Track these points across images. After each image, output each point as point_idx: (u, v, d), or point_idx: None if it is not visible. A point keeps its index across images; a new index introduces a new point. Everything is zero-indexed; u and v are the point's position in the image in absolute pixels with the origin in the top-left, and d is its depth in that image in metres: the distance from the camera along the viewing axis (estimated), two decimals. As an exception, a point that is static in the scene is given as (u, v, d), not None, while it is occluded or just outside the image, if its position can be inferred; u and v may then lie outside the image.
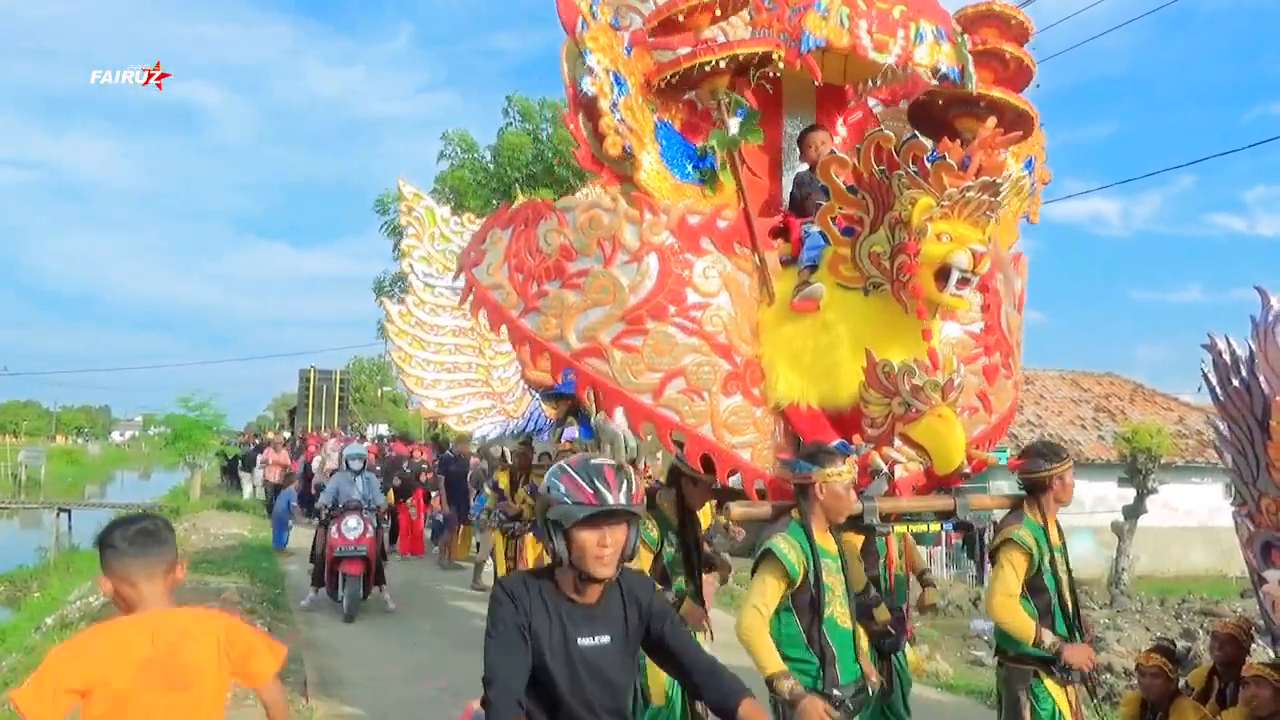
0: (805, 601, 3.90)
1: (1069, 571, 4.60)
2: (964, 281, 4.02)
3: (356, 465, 11.11)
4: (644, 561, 4.96)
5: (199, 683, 2.83)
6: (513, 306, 4.60)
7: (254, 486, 24.13)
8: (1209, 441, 20.05)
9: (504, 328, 4.68)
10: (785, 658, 3.85)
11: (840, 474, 3.94)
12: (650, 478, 9.36)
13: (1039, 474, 4.60)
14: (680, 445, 4.44)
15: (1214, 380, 4.57)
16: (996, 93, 4.76)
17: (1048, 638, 4.36)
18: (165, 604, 2.90)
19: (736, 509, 4.26)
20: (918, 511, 4.50)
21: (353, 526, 10.50)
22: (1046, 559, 4.49)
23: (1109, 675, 8.54)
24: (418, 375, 10.87)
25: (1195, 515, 21.31)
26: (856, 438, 4.34)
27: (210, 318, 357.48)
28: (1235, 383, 4.44)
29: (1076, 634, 4.55)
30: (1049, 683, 4.49)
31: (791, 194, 4.93)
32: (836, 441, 4.32)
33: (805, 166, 4.93)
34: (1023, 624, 4.40)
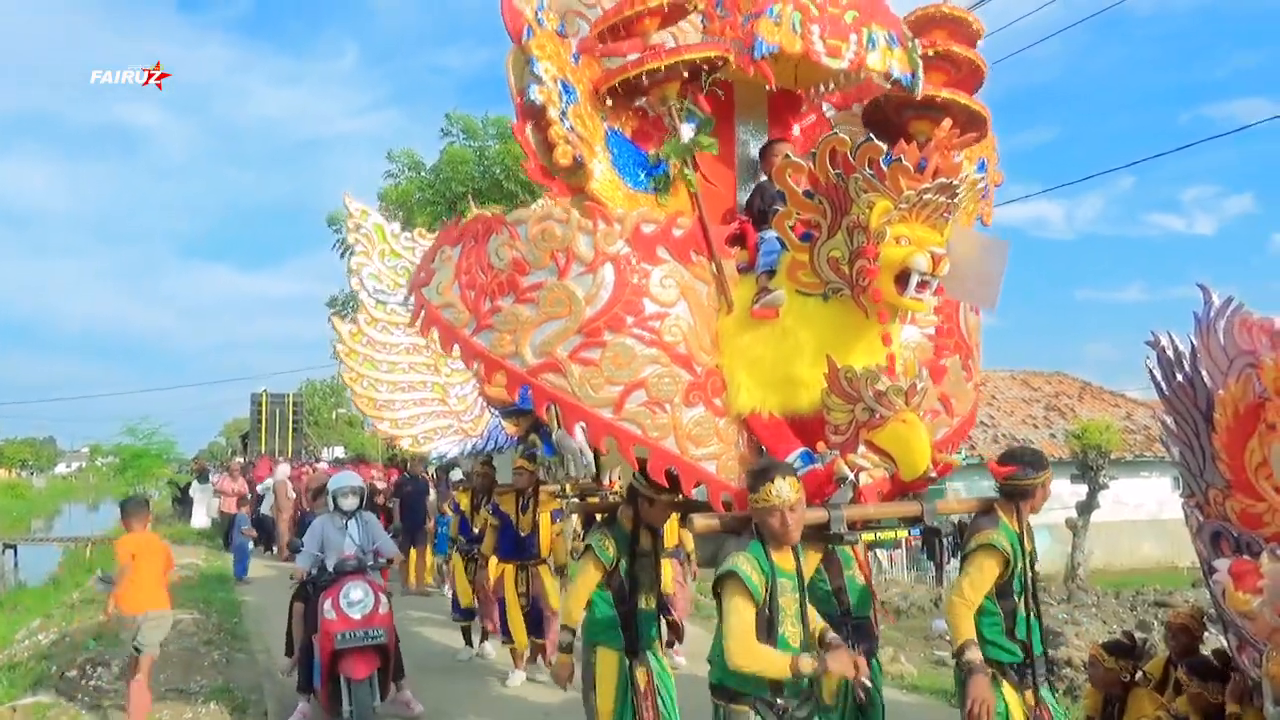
0: (761, 621, 3.85)
1: (1035, 576, 4.59)
2: (924, 284, 3.97)
3: (349, 504, 7.48)
4: (591, 579, 4.90)
5: (155, 556, 7.41)
6: (465, 325, 4.47)
7: (210, 518, 23.54)
8: (1156, 436, 20.47)
9: (456, 347, 4.56)
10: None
11: (761, 499, 3.87)
12: (617, 493, 9.26)
13: (1025, 481, 4.57)
14: (643, 460, 4.35)
15: (1159, 376, 4.64)
16: (948, 94, 4.75)
17: (968, 652, 4.27)
18: (143, 529, 7.56)
19: (699, 521, 4.18)
20: (884, 518, 4.44)
21: (357, 600, 6.93)
22: (1019, 564, 4.47)
23: (1069, 669, 8.65)
24: (370, 396, 10.62)
25: (1145, 509, 21.65)
26: (821, 445, 4.28)
27: (157, 343, 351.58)
28: (1179, 377, 4.52)
29: (1037, 635, 4.52)
30: (1005, 685, 4.47)
31: (750, 202, 4.86)
32: (800, 450, 4.27)
33: (765, 178, 4.88)
34: (963, 628, 4.35)
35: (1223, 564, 4.14)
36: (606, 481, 9.32)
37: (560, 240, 4.23)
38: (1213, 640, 6.04)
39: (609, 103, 4.45)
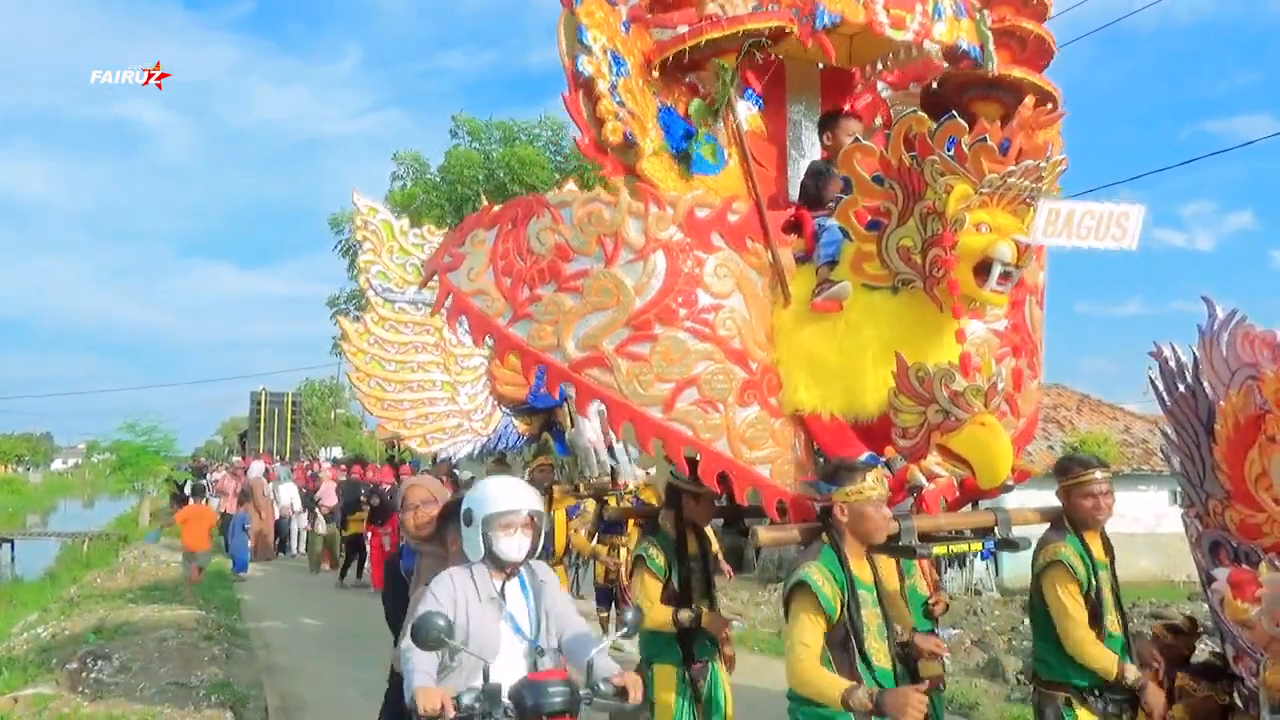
0: (839, 638, 3.51)
1: (1116, 588, 4.28)
2: (1006, 276, 3.65)
3: (515, 549, 3.47)
4: (652, 591, 4.55)
5: (204, 518, 14.87)
6: (499, 314, 4.13)
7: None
8: (1154, 450, 20.29)
9: (489, 339, 4.23)
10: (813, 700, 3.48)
11: (861, 491, 3.55)
12: (631, 494, 9.01)
13: (1062, 485, 4.35)
14: (693, 462, 4.02)
15: (1161, 386, 4.62)
16: (1018, 72, 4.45)
17: (1130, 673, 4.08)
18: (197, 504, 17.15)
19: (766, 534, 3.86)
20: (956, 530, 4.12)
21: None
22: (1092, 576, 4.17)
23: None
24: (377, 395, 10.48)
25: (1142, 522, 21.41)
26: (889, 450, 3.96)
27: (156, 341, 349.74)
28: (1181, 388, 4.53)
29: (1128, 656, 4.22)
30: (1081, 711, 4.15)
31: (803, 184, 4.54)
32: (865, 454, 3.94)
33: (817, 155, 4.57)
34: (1102, 657, 4.09)
35: (1221, 573, 4.11)
36: (621, 483, 9.12)
37: (608, 224, 3.91)
38: (1203, 653, 5.86)
39: (660, 77, 4.13)
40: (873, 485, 3.59)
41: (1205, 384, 4.39)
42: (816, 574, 3.47)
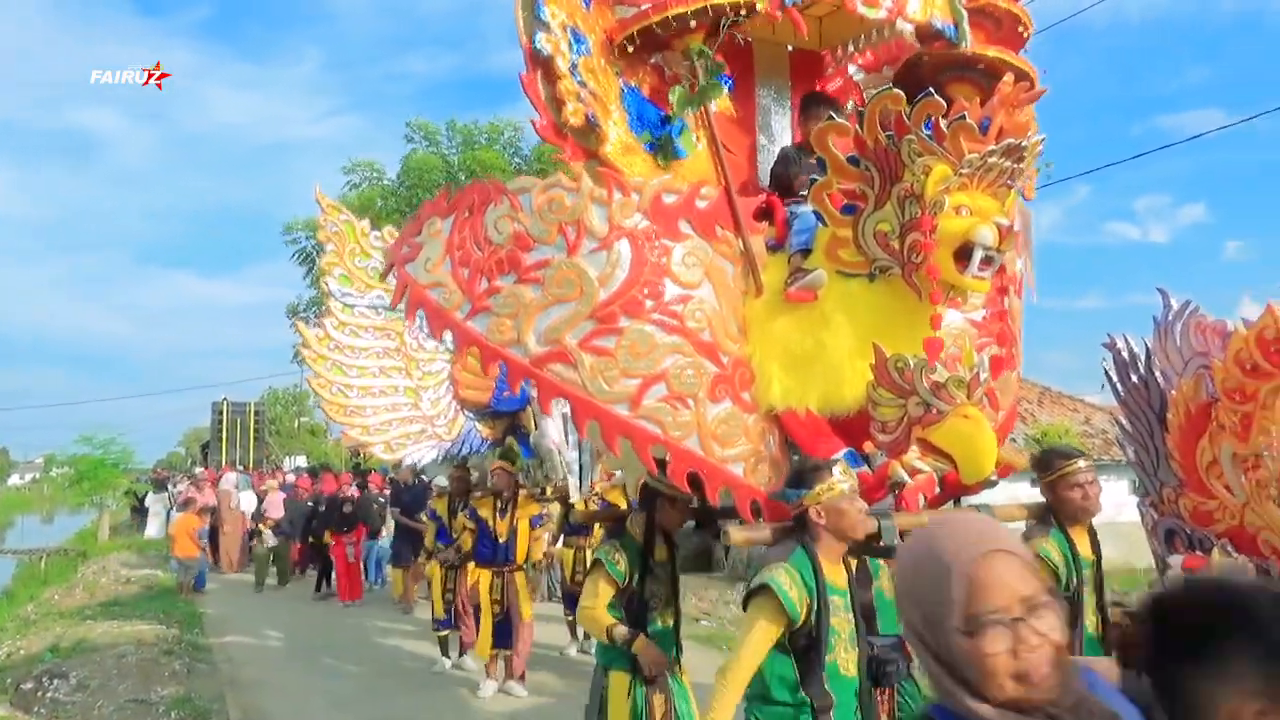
0: (802, 643, 3.37)
1: (1100, 588, 4.14)
2: (988, 261, 3.48)
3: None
4: (603, 595, 4.36)
5: (189, 527, 14.87)
6: (457, 307, 3.89)
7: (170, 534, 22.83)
8: (1113, 440, 20.46)
9: (448, 333, 4.01)
10: (771, 700, 3.38)
11: (832, 487, 3.43)
12: (598, 495, 8.84)
13: (1045, 480, 4.26)
14: (662, 462, 3.82)
15: (1115, 377, 4.70)
16: (993, 52, 4.28)
17: None
18: (183, 516, 15.46)
19: (736, 533, 3.66)
20: None
21: None
22: (1072, 575, 4.03)
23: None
24: (339, 402, 10.17)
25: (1104, 512, 21.48)
26: (868, 445, 3.78)
27: (115, 352, 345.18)
28: (1134, 379, 4.60)
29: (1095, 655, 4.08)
30: None
31: (774, 171, 4.35)
32: (843, 450, 3.76)
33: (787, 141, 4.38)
34: None
35: (1176, 560, 4.20)
36: (587, 484, 8.96)
37: (570, 212, 3.69)
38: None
39: (623, 56, 3.93)
40: (841, 479, 3.47)
41: (1158, 374, 4.46)
42: (783, 577, 3.34)
